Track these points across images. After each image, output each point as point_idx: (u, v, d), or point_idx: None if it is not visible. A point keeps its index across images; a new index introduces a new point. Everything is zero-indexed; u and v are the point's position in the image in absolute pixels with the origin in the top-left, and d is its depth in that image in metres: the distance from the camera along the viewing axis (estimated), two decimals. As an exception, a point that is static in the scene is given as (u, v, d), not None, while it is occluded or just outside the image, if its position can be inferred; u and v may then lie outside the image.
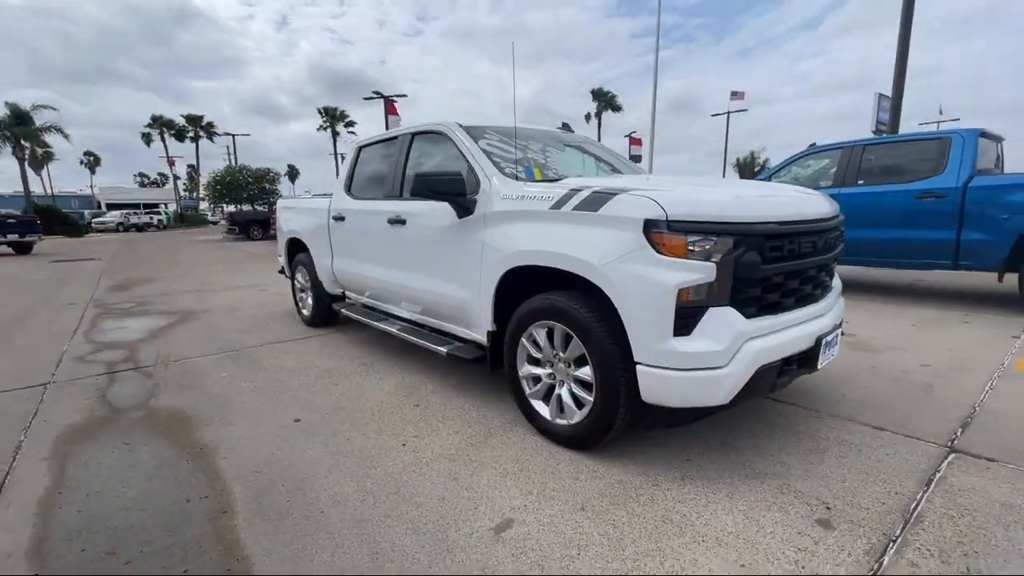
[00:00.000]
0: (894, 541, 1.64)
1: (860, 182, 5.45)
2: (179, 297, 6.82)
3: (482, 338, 2.74)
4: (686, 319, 1.88)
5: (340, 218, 3.99)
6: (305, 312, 4.98)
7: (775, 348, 1.99)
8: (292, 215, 5.04)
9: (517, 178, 2.66)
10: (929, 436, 2.34)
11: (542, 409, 2.42)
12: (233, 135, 43.87)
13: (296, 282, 5.09)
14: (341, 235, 4.04)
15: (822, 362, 2.20)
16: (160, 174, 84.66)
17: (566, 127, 3.86)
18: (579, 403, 2.25)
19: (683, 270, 1.85)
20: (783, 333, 2.04)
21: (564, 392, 2.31)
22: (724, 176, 36.36)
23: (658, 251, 1.88)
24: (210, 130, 48.85)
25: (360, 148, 4.05)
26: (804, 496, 1.91)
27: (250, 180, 28.00)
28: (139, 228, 37.35)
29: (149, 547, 1.70)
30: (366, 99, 24.91)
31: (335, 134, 50.21)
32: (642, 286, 1.89)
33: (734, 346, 1.88)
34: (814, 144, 6.19)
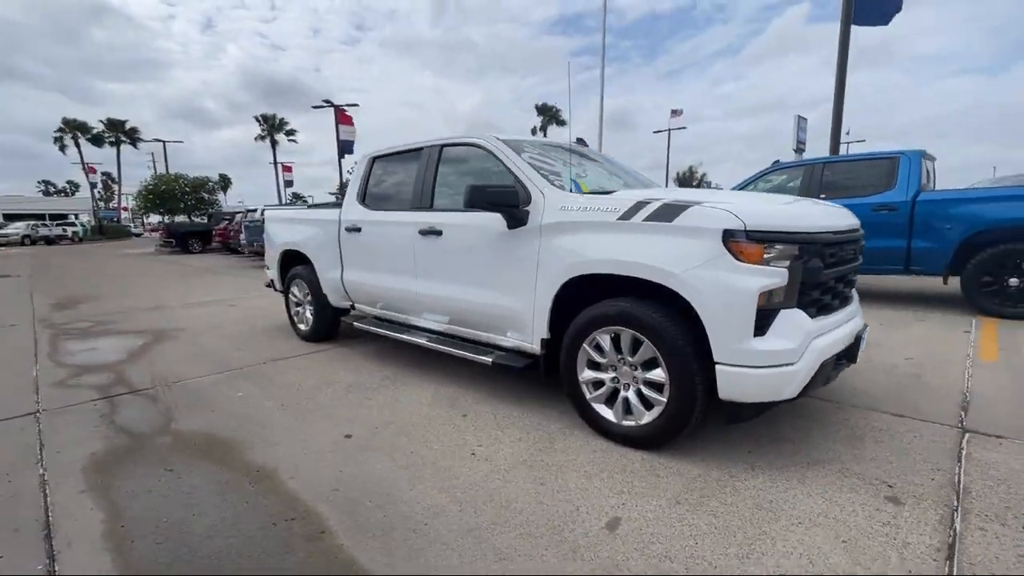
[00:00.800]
0: (956, 510, 1.87)
1: (822, 196, 6.01)
2: (139, 315, 6.30)
3: (531, 346, 2.80)
4: (762, 320, 2.04)
5: (355, 229, 3.91)
6: (302, 327, 4.79)
7: (831, 344, 2.20)
8: (288, 226, 4.84)
9: (571, 191, 2.76)
10: (940, 419, 2.65)
11: (606, 412, 2.51)
12: (164, 141, 40.86)
13: (291, 296, 4.88)
14: (355, 246, 3.94)
15: (860, 355, 2.45)
16: (70, 182, 77.25)
17: (581, 141, 4.00)
18: (647, 404, 2.36)
19: (761, 275, 2.02)
20: (836, 331, 2.27)
21: (631, 395, 2.42)
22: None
23: (737, 258, 2.04)
24: (134, 136, 45.18)
25: (373, 159, 3.99)
26: (865, 477, 2.11)
27: (187, 190, 26.17)
28: (49, 241, 33.70)
29: (260, 572, 1.62)
30: (315, 107, 24.11)
31: (274, 143, 48.14)
32: (724, 291, 2.04)
33: (804, 344, 2.07)
34: (777, 161, 6.77)
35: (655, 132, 41.23)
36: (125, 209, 50.56)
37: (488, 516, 1.90)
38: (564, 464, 2.30)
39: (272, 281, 5.24)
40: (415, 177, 3.53)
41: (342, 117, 24.28)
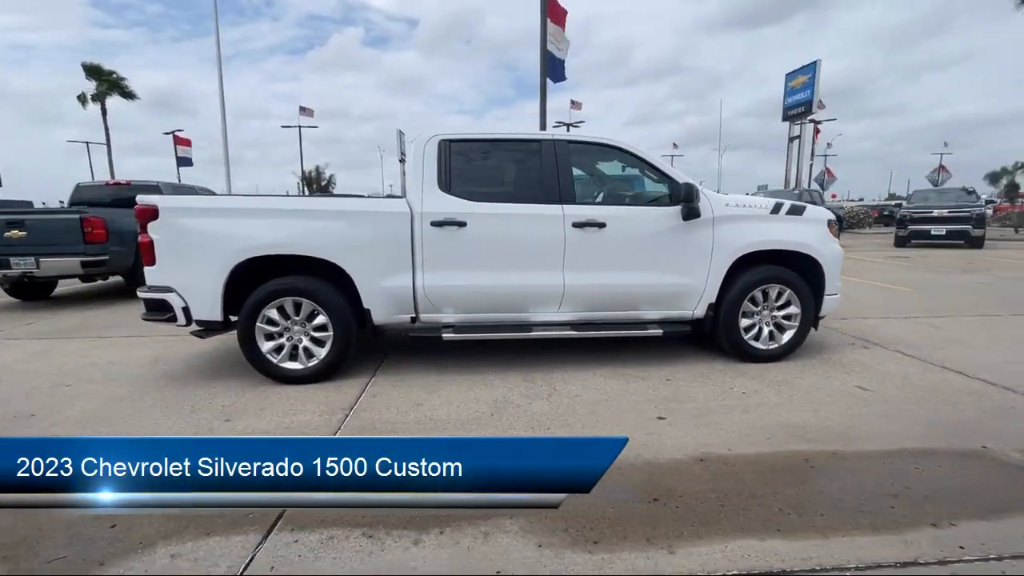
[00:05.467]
0: (885, 346, 4.17)
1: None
2: None
3: (693, 313, 3.62)
4: (837, 268, 3.80)
5: (451, 223, 3.29)
6: (294, 365, 3.35)
7: (830, 281, 4.20)
8: (264, 221, 3.23)
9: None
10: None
11: (757, 344, 3.70)
12: None
13: (262, 326, 3.29)
14: (455, 243, 3.31)
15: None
16: None
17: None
18: (781, 330, 3.73)
19: (838, 244, 3.76)
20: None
21: (772, 328, 3.72)
22: (299, 191, 36.67)
23: (831, 235, 3.70)
24: None
25: (449, 143, 3.42)
26: (846, 347, 4.21)
27: None
28: None
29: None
30: None
31: None
32: (833, 253, 3.67)
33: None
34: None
35: (283, 127, 38.89)
36: None
37: (811, 410, 2.87)
38: (775, 381, 3.36)
39: (182, 310, 3.27)
40: (542, 169, 3.45)
41: None
